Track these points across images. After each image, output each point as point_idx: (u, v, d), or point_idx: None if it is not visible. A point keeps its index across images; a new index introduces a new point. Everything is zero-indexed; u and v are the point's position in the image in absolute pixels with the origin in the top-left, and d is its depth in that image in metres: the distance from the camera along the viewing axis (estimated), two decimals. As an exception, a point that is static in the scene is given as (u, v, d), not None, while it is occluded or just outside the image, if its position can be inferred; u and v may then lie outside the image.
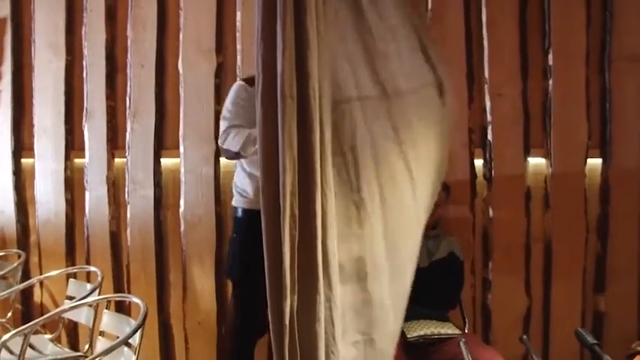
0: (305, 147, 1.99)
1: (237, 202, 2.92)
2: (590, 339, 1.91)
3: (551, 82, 3.31)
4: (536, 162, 3.35)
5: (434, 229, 3.07)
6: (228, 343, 3.09)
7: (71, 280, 3.53)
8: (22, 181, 4.07)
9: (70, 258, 3.92)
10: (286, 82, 1.96)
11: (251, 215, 2.69)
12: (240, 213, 2.90)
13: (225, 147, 2.76)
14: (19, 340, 2.73)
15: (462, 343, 1.89)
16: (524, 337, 1.99)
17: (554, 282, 3.32)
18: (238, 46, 3.53)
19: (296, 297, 1.98)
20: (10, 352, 2.77)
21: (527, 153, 3.34)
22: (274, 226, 2.00)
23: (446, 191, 3.15)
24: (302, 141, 1.98)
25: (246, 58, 3.49)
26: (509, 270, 3.32)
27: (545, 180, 3.35)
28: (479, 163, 3.37)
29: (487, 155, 3.35)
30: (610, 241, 3.31)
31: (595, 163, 3.33)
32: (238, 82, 2.93)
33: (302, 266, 2.00)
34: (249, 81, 2.70)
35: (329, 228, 2.06)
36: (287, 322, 1.96)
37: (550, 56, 3.31)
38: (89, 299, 3.07)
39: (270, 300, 1.97)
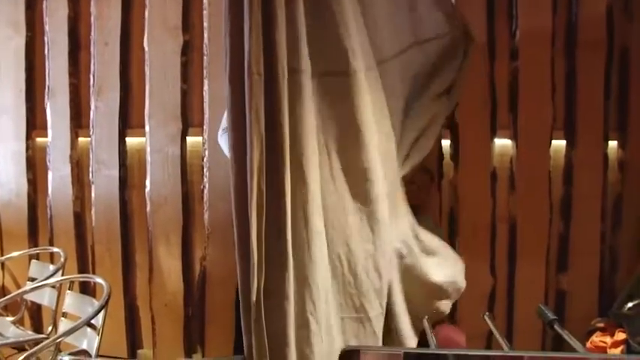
0: (272, 124, 1.97)
1: None
2: (550, 315, 1.93)
3: (517, 64, 3.34)
4: (502, 143, 3.38)
5: (416, 215, 3.07)
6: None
7: (33, 261, 3.48)
8: (-19, 161, 3.96)
9: (33, 239, 3.84)
10: (253, 59, 1.94)
11: None
12: None
13: (220, 143, 3.00)
14: (-22, 322, 2.68)
15: (425, 321, 1.90)
16: (487, 314, 2.02)
17: (519, 261, 3.37)
18: (205, 24, 3.46)
19: (263, 274, 1.97)
20: (-30, 334, 2.72)
21: (493, 134, 3.37)
22: (243, 203, 1.99)
23: (431, 178, 3.16)
24: (269, 118, 1.96)
25: (213, 36, 3.42)
26: (475, 250, 3.36)
27: (510, 161, 3.38)
28: (445, 143, 3.38)
29: (454, 136, 3.37)
30: (573, 221, 3.37)
31: (559, 144, 3.37)
32: None
33: (270, 244, 1.99)
34: None
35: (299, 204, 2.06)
36: (254, 299, 1.95)
37: (517, 38, 3.34)
38: (52, 280, 3.02)
39: (239, 276, 1.96)
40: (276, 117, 1.97)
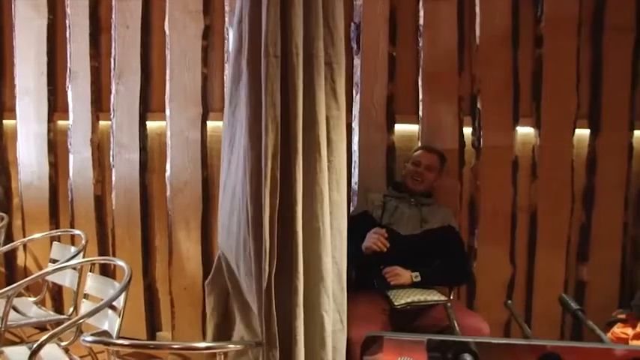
0: (288, 107, 1.95)
1: None
2: (574, 305, 1.92)
3: (542, 51, 3.28)
4: (525, 131, 3.34)
5: (428, 197, 3.07)
6: None
7: (55, 243, 3.51)
8: (3, 143, 4.01)
9: (54, 221, 3.89)
10: (270, 40, 1.92)
11: None
12: None
13: None
14: (1, 302, 2.71)
15: (447, 307, 1.89)
16: (509, 302, 2.01)
17: (539, 251, 3.34)
18: (226, 8, 3.45)
19: (275, 261, 1.96)
20: (-7, 313, 2.75)
21: (515, 122, 3.32)
22: (259, 187, 1.97)
23: (442, 161, 3.14)
24: (285, 100, 1.94)
25: (233, 19, 3.40)
26: (495, 238, 3.34)
27: (532, 149, 3.34)
28: (468, 131, 3.35)
29: (476, 124, 3.33)
30: (595, 211, 3.33)
31: (583, 133, 3.32)
32: None
33: (282, 231, 1.97)
34: None
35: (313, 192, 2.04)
36: (264, 285, 1.94)
37: (542, 25, 3.28)
38: (73, 262, 3.05)
39: (253, 259, 1.95)
40: (291, 100, 1.94)
